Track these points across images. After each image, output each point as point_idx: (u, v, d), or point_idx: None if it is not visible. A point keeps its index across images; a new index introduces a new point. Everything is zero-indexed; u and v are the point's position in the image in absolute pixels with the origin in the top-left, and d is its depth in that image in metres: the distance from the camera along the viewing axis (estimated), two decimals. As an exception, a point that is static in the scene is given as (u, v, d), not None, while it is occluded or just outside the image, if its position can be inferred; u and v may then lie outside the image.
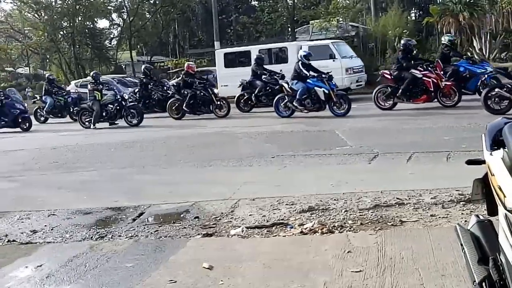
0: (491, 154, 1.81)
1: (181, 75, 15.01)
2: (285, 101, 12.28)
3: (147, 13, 36.79)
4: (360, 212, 4.25)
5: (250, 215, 4.47)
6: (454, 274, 2.89)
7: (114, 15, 38.37)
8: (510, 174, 1.59)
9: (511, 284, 1.56)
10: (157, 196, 5.47)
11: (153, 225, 4.45)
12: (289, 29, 30.75)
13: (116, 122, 14.14)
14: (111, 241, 4.10)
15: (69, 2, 31.27)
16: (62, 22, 32.18)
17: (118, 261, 3.60)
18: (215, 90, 14.07)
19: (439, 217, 3.97)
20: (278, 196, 4.95)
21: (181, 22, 40.79)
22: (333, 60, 15.77)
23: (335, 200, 4.66)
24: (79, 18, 32.35)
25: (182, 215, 4.68)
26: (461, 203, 4.24)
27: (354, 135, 8.87)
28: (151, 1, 37.08)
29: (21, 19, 33.77)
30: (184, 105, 14.13)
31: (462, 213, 4.01)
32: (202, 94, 14.09)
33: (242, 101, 14.89)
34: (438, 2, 33.91)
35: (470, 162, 2.12)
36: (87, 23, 33.69)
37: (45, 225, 4.65)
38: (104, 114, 13.93)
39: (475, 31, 24.23)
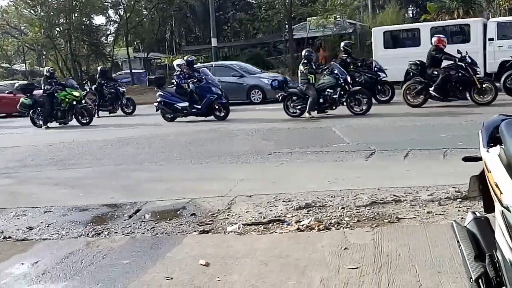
0: (487, 151, 1.81)
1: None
2: None
3: (144, 10, 36.73)
4: (356, 209, 4.25)
5: (246, 212, 4.46)
6: (451, 271, 2.90)
7: (110, 12, 38.41)
8: (506, 171, 1.59)
9: (507, 281, 1.56)
10: (154, 193, 5.46)
11: (149, 222, 4.44)
12: (286, 26, 30.73)
13: (326, 111, 11.81)
14: (108, 238, 4.08)
15: (65, -2, 31.18)
16: (59, 18, 32.11)
17: (114, 258, 3.59)
18: (477, 70, 10.92)
19: (435, 214, 3.98)
20: (275, 193, 4.94)
21: (178, 19, 40.78)
22: None
23: (332, 197, 4.66)
24: (76, 15, 32.28)
25: (178, 212, 4.67)
26: (458, 200, 4.25)
27: (351, 132, 8.87)
28: (148, -3, 37.01)
29: (17, 15, 33.66)
30: (433, 88, 11.05)
31: (458, 210, 4.02)
32: (459, 74, 10.89)
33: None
34: (435, -1, 33.90)
35: (467, 159, 2.12)
36: (84, 19, 33.63)
37: (41, 222, 4.63)
38: (321, 101, 11.49)
39: (472, 28, 24.25)
